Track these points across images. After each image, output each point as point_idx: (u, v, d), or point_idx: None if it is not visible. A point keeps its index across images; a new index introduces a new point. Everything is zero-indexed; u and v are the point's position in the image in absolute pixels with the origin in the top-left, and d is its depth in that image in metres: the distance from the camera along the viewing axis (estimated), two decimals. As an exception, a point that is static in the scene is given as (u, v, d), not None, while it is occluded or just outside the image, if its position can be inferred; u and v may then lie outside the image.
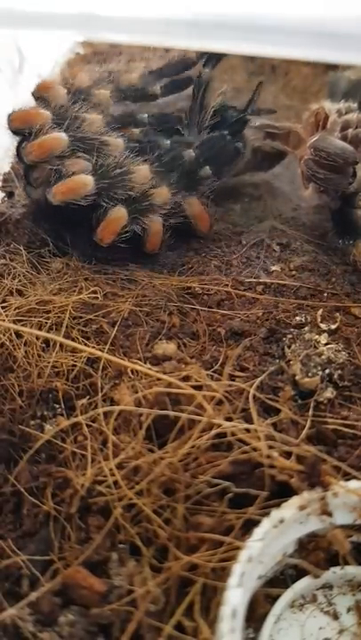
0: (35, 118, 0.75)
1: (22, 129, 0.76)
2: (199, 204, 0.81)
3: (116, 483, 0.54)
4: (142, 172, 0.76)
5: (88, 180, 0.73)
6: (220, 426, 0.55)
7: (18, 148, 0.78)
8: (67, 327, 0.67)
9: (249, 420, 0.57)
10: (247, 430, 0.55)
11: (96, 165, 0.75)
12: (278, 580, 0.54)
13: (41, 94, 0.80)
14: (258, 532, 0.50)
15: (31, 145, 0.74)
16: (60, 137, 0.74)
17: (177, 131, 0.85)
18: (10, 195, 0.90)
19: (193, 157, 0.81)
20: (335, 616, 0.53)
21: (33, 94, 0.81)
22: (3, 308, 0.69)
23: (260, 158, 0.92)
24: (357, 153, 0.76)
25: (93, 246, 0.77)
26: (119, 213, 0.74)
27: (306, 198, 0.86)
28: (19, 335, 0.66)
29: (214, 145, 0.83)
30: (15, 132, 0.77)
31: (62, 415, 0.61)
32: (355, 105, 0.85)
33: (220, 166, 0.84)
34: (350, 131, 0.80)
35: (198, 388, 0.58)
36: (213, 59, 0.87)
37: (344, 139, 0.79)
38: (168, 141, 0.82)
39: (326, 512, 0.52)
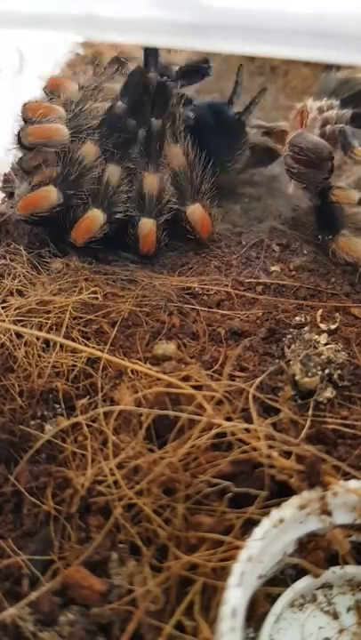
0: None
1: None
2: (201, 210, 0.80)
3: (116, 482, 0.54)
4: (89, 149, 0.76)
5: (50, 193, 0.74)
6: (219, 426, 0.55)
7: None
8: (67, 327, 0.67)
9: (249, 419, 0.57)
10: (247, 430, 0.55)
11: (61, 174, 0.75)
12: (278, 580, 0.54)
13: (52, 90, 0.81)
14: (258, 531, 0.50)
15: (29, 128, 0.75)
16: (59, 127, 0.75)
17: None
18: (10, 195, 0.90)
19: (121, 107, 0.79)
20: (335, 616, 0.53)
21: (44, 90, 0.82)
22: (3, 308, 0.69)
23: (259, 155, 0.93)
24: (334, 148, 0.77)
25: (94, 247, 0.77)
26: (93, 214, 0.75)
27: (292, 195, 0.87)
28: (19, 335, 0.66)
29: (133, 85, 0.81)
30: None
31: (62, 415, 0.61)
32: (336, 102, 0.85)
33: (141, 106, 0.81)
34: (328, 127, 0.81)
35: (198, 388, 0.58)
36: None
37: (322, 135, 0.80)
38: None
39: (326, 512, 0.52)
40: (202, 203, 0.81)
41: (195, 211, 0.80)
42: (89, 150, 0.76)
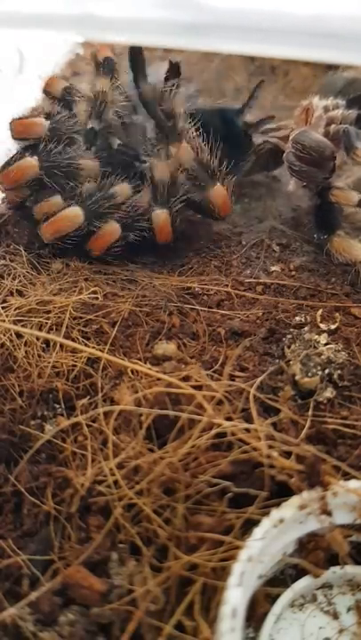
0: (32, 129, 0.77)
1: (23, 139, 0.78)
2: (223, 190, 0.79)
3: (116, 482, 0.54)
4: (124, 190, 0.77)
5: (76, 215, 0.74)
6: (220, 426, 0.55)
7: None
8: (67, 327, 0.67)
9: (249, 419, 0.57)
10: (247, 430, 0.55)
11: (80, 195, 0.76)
12: (278, 580, 0.54)
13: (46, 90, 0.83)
14: (258, 531, 0.50)
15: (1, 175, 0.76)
16: (31, 163, 0.75)
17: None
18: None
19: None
20: (335, 616, 0.53)
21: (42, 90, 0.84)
22: (3, 308, 0.69)
23: (263, 160, 0.93)
24: (337, 148, 0.77)
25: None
26: (111, 228, 0.76)
27: (292, 195, 0.87)
28: (19, 335, 0.66)
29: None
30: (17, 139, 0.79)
31: (62, 415, 0.61)
32: (343, 102, 0.85)
33: None
34: (333, 126, 0.81)
35: (198, 388, 0.58)
36: (139, 75, 0.83)
37: (326, 134, 0.80)
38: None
39: (326, 512, 0.52)
40: (222, 183, 0.79)
41: (217, 191, 0.79)
42: (123, 190, 0.77)
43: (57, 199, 0.76)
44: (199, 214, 0.83)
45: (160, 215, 0.77)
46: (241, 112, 0.90)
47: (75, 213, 0.75)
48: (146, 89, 0.80)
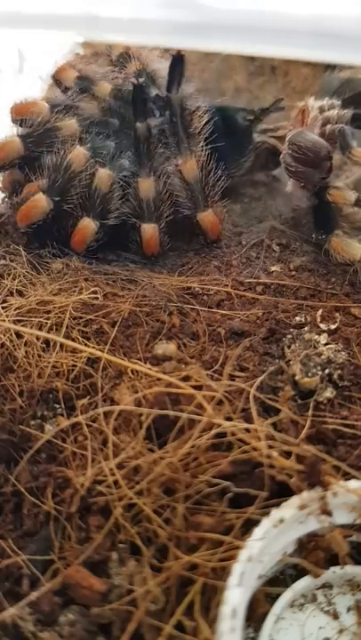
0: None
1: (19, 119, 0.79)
2: (212, 216, 0.80)
3: (116, 482, 0.54)
4: (78, 153, 0.76)
5: (39, 202, 0.75)
6: (220, 426, 0.55)
7: None
8: (67, 327, 0.67)
9: (249, 419, 0.57)
10: (247, 430, 0.55)
11: (49, 181, 0.76)
12: (278, 580, 0.54)
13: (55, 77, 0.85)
14: (258, 531, 0.50)
15: None
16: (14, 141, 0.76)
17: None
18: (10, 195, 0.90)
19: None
20: (335, 616, 0.53)
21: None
22: (3, 308, 0.69)
23: (264, 159, 0.93)
24: (333, 148, 0.77)
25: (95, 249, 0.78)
26: (85, 223, 0.77)
27: (292, 195, 0.87)
28: (19, 335, 0.66)
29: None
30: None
31: (62, 415, 0.61)
32: (338, 102, 0.85)
33: None
34: (328, 127, 0.81)
35: (198, 388, 0.58)
36: (175, 82, 0.82)
37: (322, 135, 0.80)
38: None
39: (326, 512, 0.52)
40: (213, 208, 0.81)
41: (206, 217, 0.80)
42: (78, 155, 0.76)
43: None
44: (186, 232, 0.83)
45: (148, 230, 0.78)
46: (244, 111, 0.90)
47: (38, 197, 0.75)
48: (175, 97, 0.80)
